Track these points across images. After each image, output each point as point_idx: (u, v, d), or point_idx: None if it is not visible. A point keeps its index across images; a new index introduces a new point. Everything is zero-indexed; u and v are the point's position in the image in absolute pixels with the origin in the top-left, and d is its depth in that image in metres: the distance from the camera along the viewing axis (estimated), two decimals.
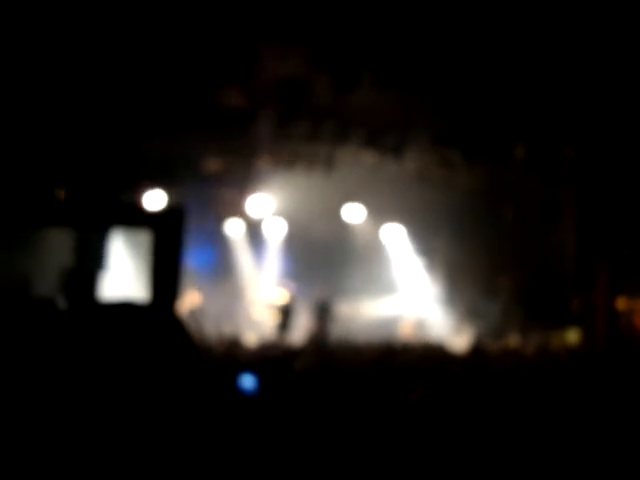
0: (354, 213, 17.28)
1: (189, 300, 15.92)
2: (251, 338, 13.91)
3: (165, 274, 6.26)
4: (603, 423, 5.12)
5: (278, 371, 4.36)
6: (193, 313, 15.55)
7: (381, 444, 4.10)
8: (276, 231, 17.63)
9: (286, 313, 16.07)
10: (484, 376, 7.00)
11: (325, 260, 17.09)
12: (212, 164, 15.60)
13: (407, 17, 10.74)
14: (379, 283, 17.63)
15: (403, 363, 8.50)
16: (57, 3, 9.85)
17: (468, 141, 13.57)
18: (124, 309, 1.08)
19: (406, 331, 16.42)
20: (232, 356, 9.16)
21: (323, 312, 16.35)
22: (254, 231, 17.61)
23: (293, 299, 16.28)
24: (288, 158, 15.03)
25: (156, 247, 6.26)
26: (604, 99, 11.68)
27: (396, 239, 17.98)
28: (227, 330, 15.10)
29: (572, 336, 15.28)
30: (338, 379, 6.13)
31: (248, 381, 4.60)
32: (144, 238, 8.85)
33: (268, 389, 4.30)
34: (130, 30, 10.55)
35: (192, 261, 17.01)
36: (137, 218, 6.85)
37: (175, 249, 6.25)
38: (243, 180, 15.98)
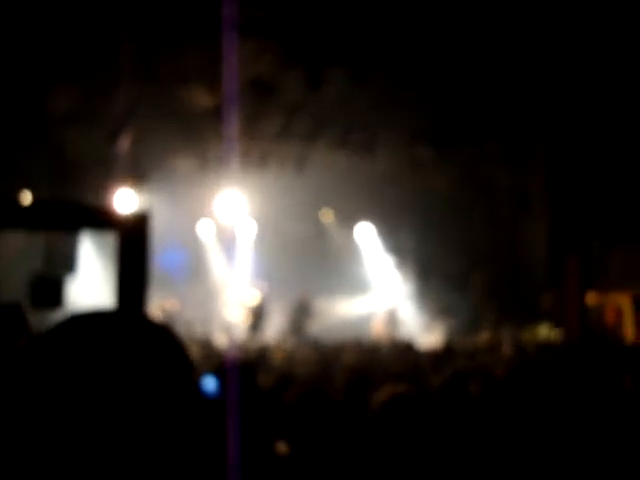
0: (326, 213, 17.30)
1: (166, 305, 15.84)
2: (222, 340, 13.84)
3: (131, 277, 6.18)
4: (578, 419, 5.12)
5: (242, 374, 4.31)
6: (168, 317, 15.47)
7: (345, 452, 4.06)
8: (248, 231, 17.57)
9: (258, 314, 16.01)
10: (456, 376, 6.99)
11: (298, 259, 17.06)
12: (183, 164, 15.50)
13: (378, 12, 10.70)
14: (352, 282, 17.64)
15: (374, 363, 8.47)
16: None
17: (438, 137, 13.56)
18: (95, 319, 1.03)
19: (378, 329, 16.43)
20: (202, 358, 9.10)
21: (301, 311, 16.33)
22: (226, 231, 17.54)
23: (265, 299, 16.23)
24: (259, 157, 14.96)
25: (122, 250, 6.18)
26: (574, 93, 11.72)
27: (368, 238, 18.00)
28: (199, 332, 15.04)
29: (544, 331, 15.35)
30: (306, 382, 6.09)
31: (210, 384, 4.55)
32: (111, 240, 8.76)
33: (230, 392, 4.25)
34: (93, 29, 10.42)
35: (164, 263, 16.94)
36: (102, 221, 6.77)
37: (141, 252, 6.17)
38: (214, 180, 15.90)
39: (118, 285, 6.11)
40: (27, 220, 7.17)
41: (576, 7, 9.69)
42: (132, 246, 5.91)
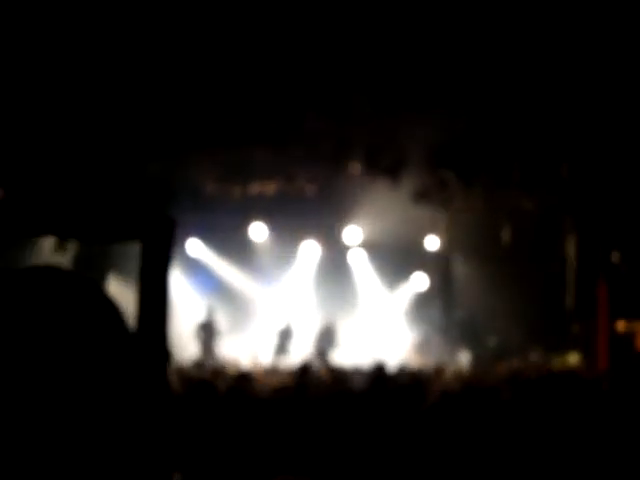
0: (351, 235, 17.17)
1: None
2: (249, 362, 13.85)
3: (152, 292, 6.22)
4: (606, 446, 5.07)
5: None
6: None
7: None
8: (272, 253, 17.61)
9: (285, 337, 16.04)
10: (481, 399, 6.94)
11: (328, 282, 17.07)
12: (211, 188, 15.63)
13: (403, 32, 10.66)
14: (379, 305, 17.61)
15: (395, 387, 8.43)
16: None
17: (464, 162, 13.48)
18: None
19: (411, 355, 16.35)
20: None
21: (326, 337, 16.30)
22: (254, 254, 17.65)
23: (292, 323, 16.28)
24: (286, 181, 15.02)
25: (144, 262, 6.22)
26: (598, 117, 11.61)
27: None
28: (228, 354, 15.14)
29: (573, 359, 15.15)
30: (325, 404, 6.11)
31: None
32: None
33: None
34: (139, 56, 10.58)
35: (198, 286, 17.12)
36: (125, 231, 6.80)
37: (164, 260, 6.19)
38: (241, 204, 16.02)
39: (139, 299, 6.14)
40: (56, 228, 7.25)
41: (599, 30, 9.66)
42: (155, 253, 5.94)
